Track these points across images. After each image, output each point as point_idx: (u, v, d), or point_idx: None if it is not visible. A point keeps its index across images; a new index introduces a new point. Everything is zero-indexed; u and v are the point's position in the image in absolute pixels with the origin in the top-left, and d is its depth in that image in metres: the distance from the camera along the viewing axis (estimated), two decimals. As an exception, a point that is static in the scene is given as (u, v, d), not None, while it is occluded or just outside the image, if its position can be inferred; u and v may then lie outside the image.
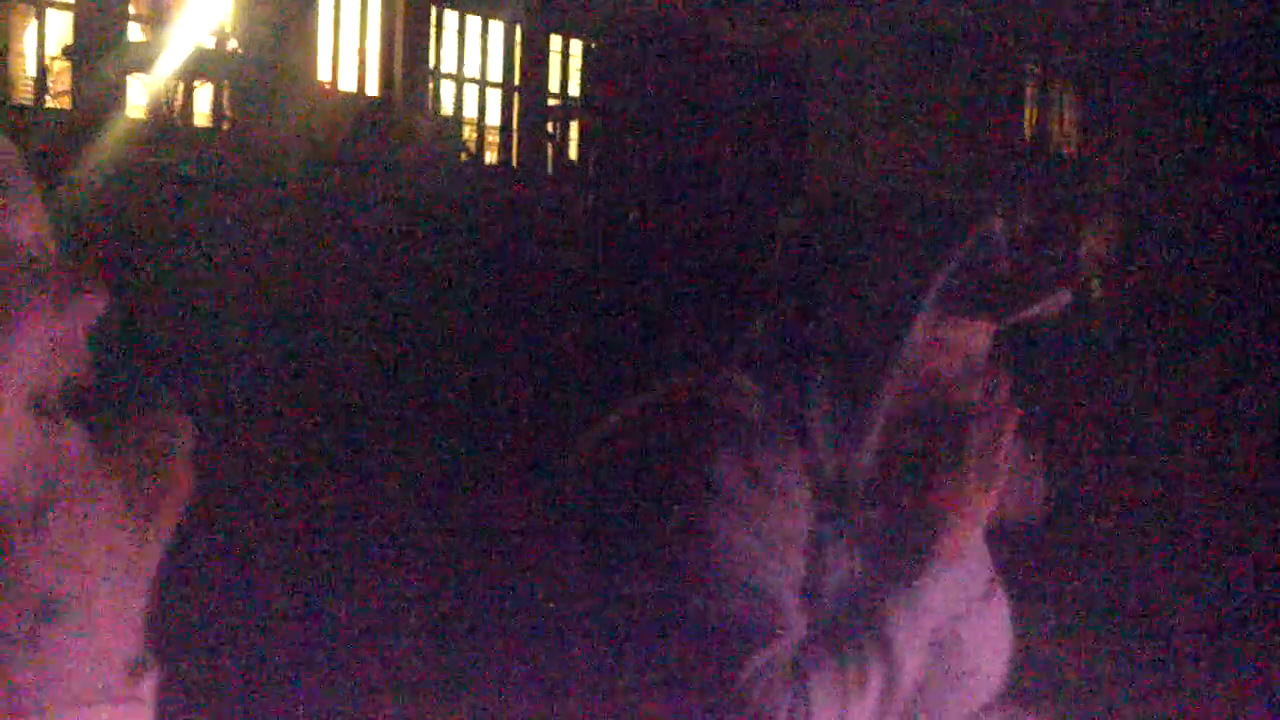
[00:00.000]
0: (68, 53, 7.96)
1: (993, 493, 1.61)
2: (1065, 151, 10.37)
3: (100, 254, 6.76)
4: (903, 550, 1.61)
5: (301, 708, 3.31)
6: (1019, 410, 1.63)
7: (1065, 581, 4.37)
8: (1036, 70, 10.45)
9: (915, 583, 1.59)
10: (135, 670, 0.99)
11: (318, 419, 6.27)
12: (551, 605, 1.63)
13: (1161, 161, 8.70)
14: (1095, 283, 8.04)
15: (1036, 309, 1.63)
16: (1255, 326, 6.88)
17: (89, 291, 0.98)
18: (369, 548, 4.80)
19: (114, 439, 1.01)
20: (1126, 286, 7.95)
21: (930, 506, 1.60)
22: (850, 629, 1.56)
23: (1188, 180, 8.27)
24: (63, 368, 0.97)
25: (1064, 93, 10.54)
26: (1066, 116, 10.52)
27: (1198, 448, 6.05)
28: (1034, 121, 10.54)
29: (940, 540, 1.60)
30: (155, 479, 1.00)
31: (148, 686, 1.01)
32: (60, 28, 8.07)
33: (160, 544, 1.02)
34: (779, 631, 1.52)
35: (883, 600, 1.58)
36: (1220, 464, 5.89)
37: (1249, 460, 5.87)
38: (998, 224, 1.64)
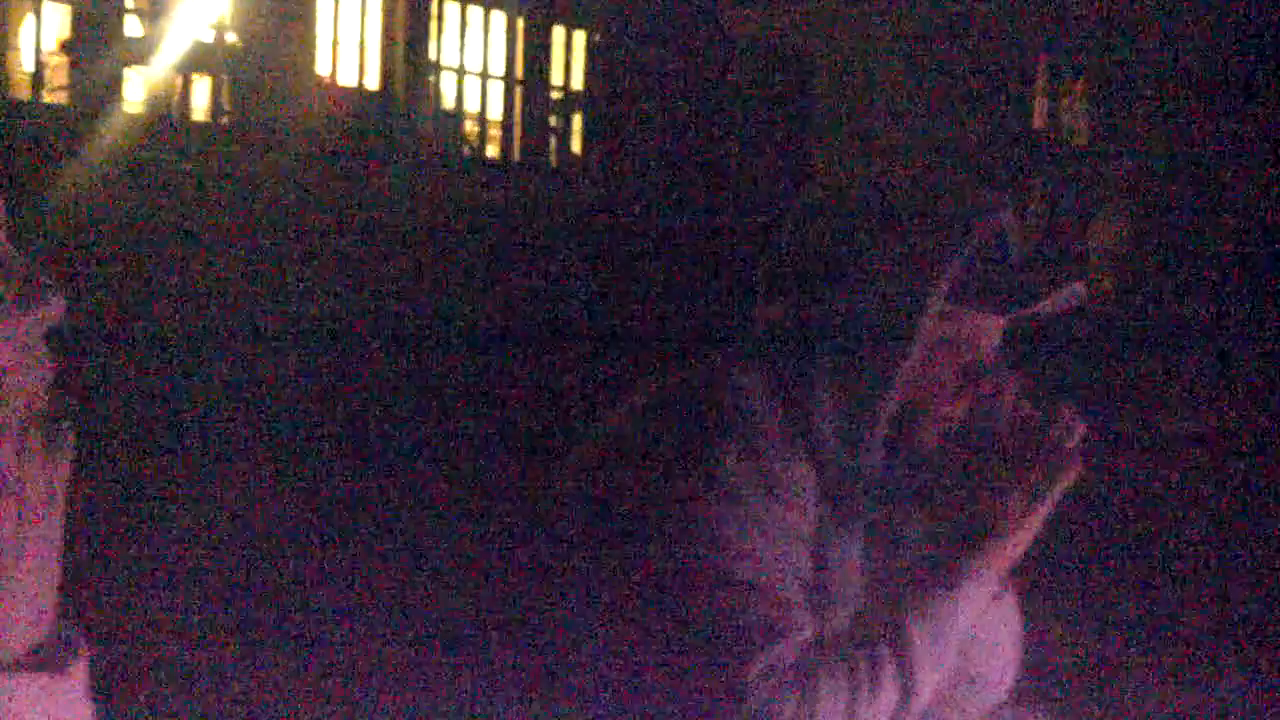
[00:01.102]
0: (65, 47, 7.95)
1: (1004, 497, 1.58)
2: (1077, 143, 10.35)
3: (97, 249, 6.76)
4: (925, 554, 1.59)
5: (300, 706, 3.31)
6: (1027, 410, 1.59)
7: (1074, 581, 4.35)
8: (1046, 61, 10.42)
9: (937, 590, 1.55)
10: (57, 646, 0.99)
11: (317, 414, 6.26)
12: (552, 603, 1.60)
13: (1175, 153, 8.68)
14: (1109, 277, 8.02)
15: (1049, 304, 1.60)
16: (1271, 320, 6.87)
17: (48, 292, 0.96)
18: (366, 543, 4.78)
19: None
20: (1140, 280, 7.93)
21: (942, 507, 1.59)
22: (865, 634, 1.53)
23: (1202, 172, 8.24)
24: (18, 369, 0.96)
25: (1075, 83, 10.51)
26: (1077, 107, 10.49)
27: (1211, 444, 6.03)
28: (1045, 112, 10.52)
29: (963, 544, 1.57)
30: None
31: (77, 668, 0.99)
32: (58, 22, 8.05)
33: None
34: (785, 631, 1.49)
35: (902, 607, 1.55)
36: (1233, 461, 5.86)
37: (1261, 457, 5.84)
38: (1008, 217, 1.61)
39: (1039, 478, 1.57)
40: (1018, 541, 1.58)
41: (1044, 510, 1.58)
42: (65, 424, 0.97)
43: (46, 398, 0.98)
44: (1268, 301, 7.14)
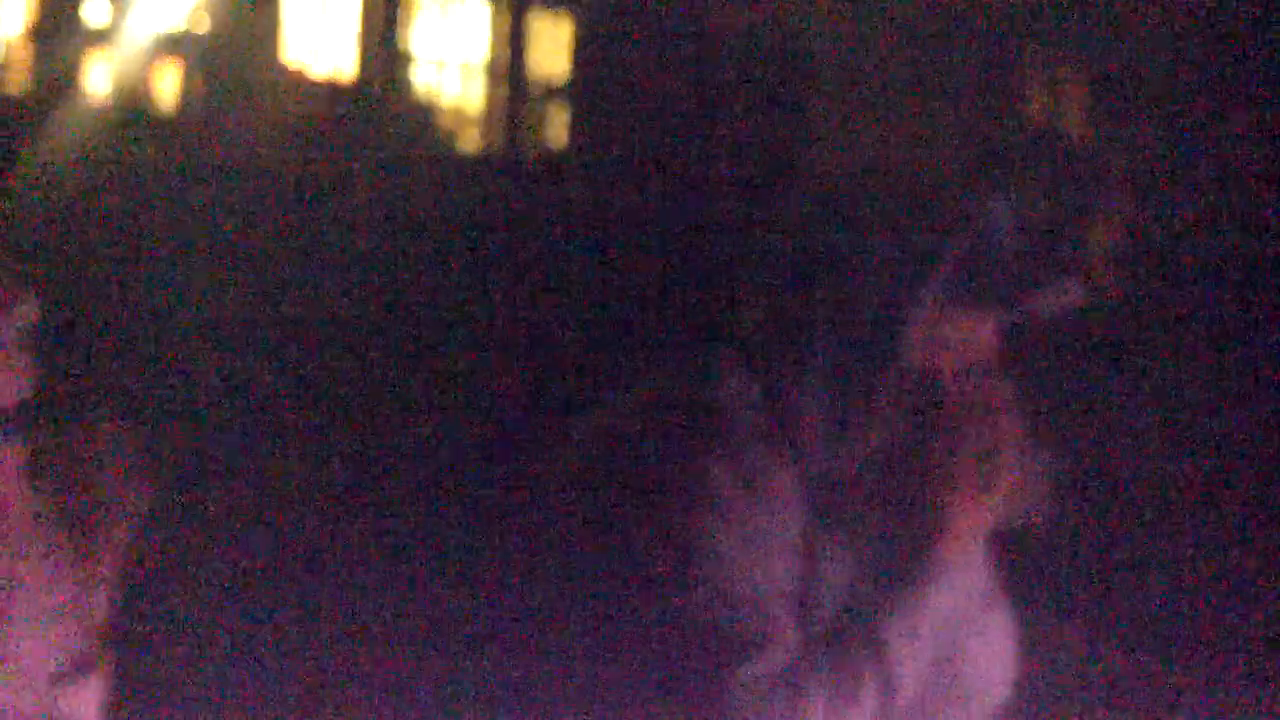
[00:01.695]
0: (29, 34, 7.97)
1: (995, 497, 1.60)
2: (1075, 139, 10.35)
3: (61, 244, 6.74)
4: (900, 556, 1.59)
5: (284, 706, 3.35)
6: (1023, 410, 1.60)
7: (1076, 590, 4.36)
8: (1045, 55, 10.42)
9: (912, 590, 1.57)
10: (69, 671, 1.02)
11: (291, 416, 6.21)
12: (534, 615, 1.60)
13: (1176, 150, 8.69)
14: (1105, 277, 8.07)
15: (1043, 304, 1.61)
16: (1270, 324, 6.87)
17: (18, 300, 1.00)
18: (347, 553, 4.77)
19: (54, 448, 1.04)
20: (1137, 281, 7.99)
21: (929, 510, 1.59)
22: (844, 637, 1.55)
23: (1203, 170, 8.26)
24: None
25: (1073, 78, 10.51)
26: (1076, 103, 10.49)
27: (1209, 449, 6.00)
28: (1042, 108, 10.53)
29: (939, 545, 1.58)
30: (96, 486, 1.03)
31: (86, 690, 1.03)
32: (21, 8, 8.11)
33: (110, 550, 1.06)
34: (770, 641, 1.51)
35: (878, 608, 1.57)
36: (1231, 465, 5.84)
37: (1260, 462, 5.81)
38: (1002, 215, 1.60)
39: (984, 462, 1.58)
40: (974, 529, 1.58)
41: (995, 493, 1.58)
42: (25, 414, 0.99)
43: (27, 398, 0.99)
44: (1268, 300, 7.16)
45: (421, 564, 4.48)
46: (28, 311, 0.98)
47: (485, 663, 1.59)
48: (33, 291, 0.98)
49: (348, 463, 5.83)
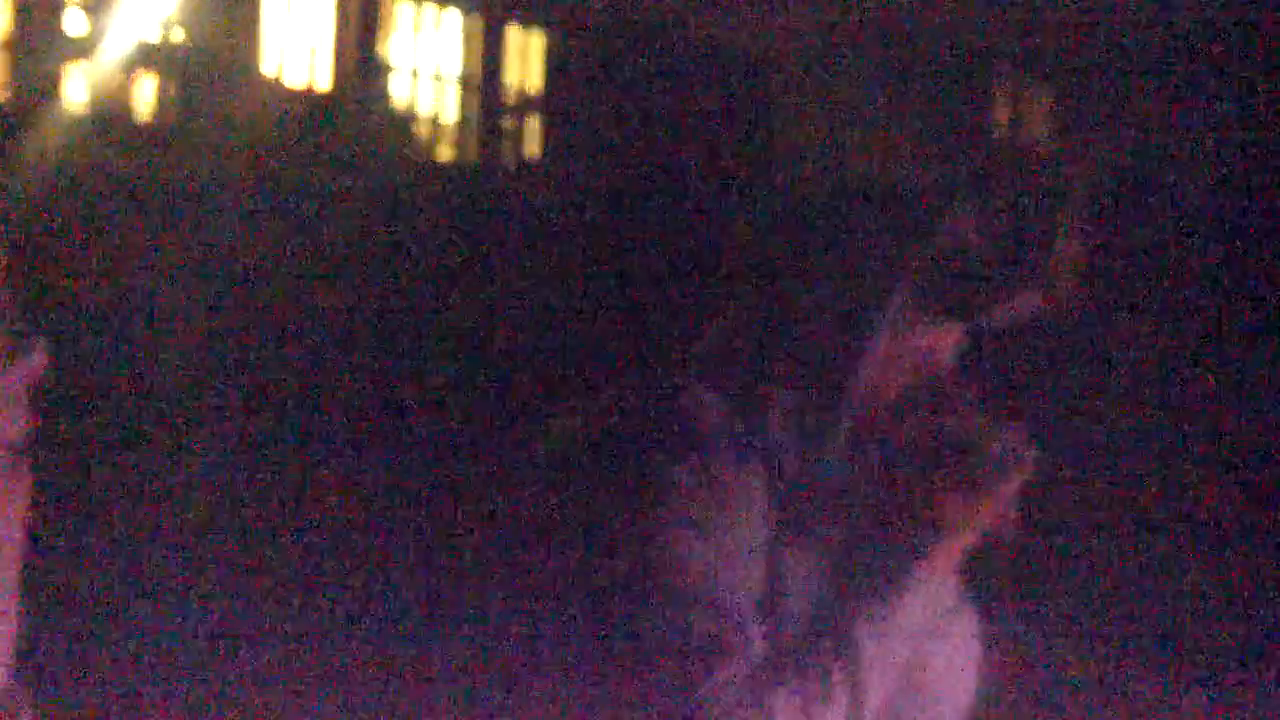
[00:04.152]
0: (6, 44, 7.93)
1: (965, 503, 1.60)
2: (1039, 149, 10.42)
3: (40, 254, 6.72)
4: (872, 566, 1.59)
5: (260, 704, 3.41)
6: (985, 416, 1.61)
7: (1042, 599, 4.45)
8: (1009, 66, 10.48)
9: (884, 600, 1.57)
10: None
11: (268, 424, 6.24)
12: (503, 622, 1.60)
13: (1137, 160, 8.77)
14: (1069, 285, 8.09)
15: (1006, 312, 1.62)
16: (1234, 328, 6.95)
17: (32, 350, 0.98)
18: (312, 566, 4.80)
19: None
20: (1102, 289, 8.03)
21: (901, 519, 1.59)
22: (814, 647, 1.54)
23: (1164, 180, 8.33)
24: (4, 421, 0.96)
25: (1037, 89, 10.57)
26: (1039, 113, 10.56)
27: (1174, 453, 6.07)
28: (1006, 118, 10.59)
29: (913, 555, 1.58)
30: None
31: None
32: (2, 16, 8.00)
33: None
34: (738, 649, 1.51)
35: (849, 618, 1.56)
36: (1198, 468, 5.92)
37: (1223, 464, 5.90)
38: (966, 225, 1.62)
39: (978, 485, 1.57)
40: (956, 547, 1.59)
41: (982, 517, 1.58)
42: (24, 463, 0.97)
43: (24, 449, 0.97)
44: (1229, 308, 7.24)
45: (389, 572, 4.51)
46: (39, 362, 0.97)
47: (454, 667, 1.62)
48: (43, 342, 0.97)
49: (320, 462, 5.86)
